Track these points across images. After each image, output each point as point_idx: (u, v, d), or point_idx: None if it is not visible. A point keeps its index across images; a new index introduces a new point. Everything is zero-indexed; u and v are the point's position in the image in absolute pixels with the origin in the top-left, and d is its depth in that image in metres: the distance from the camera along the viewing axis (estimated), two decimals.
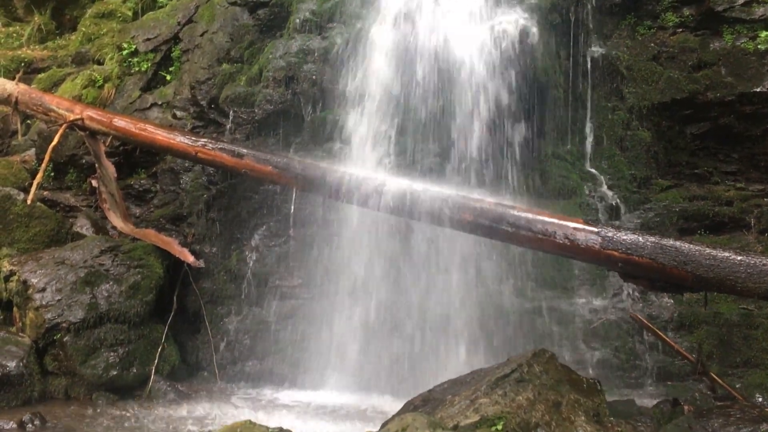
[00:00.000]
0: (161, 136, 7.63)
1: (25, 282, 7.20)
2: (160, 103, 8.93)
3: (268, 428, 5.07)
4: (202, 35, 8.96)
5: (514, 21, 7.45)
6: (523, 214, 5.96)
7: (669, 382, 6.97)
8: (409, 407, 5.62)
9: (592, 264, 6.69)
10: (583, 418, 5.18)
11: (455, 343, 7.20)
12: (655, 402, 6.44)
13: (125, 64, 9.35)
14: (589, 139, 7.75)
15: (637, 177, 7.62)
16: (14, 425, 5.99)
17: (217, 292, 7.96)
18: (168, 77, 9.13)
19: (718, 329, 7.01)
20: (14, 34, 11.90)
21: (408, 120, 7.41)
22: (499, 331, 7.17)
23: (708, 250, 5.43)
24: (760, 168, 7.56)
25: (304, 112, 7.93)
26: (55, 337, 7.00)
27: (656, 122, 7.69)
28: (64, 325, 7.00)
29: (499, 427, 4.77)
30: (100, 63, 9.76)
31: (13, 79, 8.99)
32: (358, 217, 7.23)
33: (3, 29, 12.13)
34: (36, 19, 11.88)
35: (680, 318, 7.12)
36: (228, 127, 8.22)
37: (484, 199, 6.23)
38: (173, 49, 9.17)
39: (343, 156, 7.44)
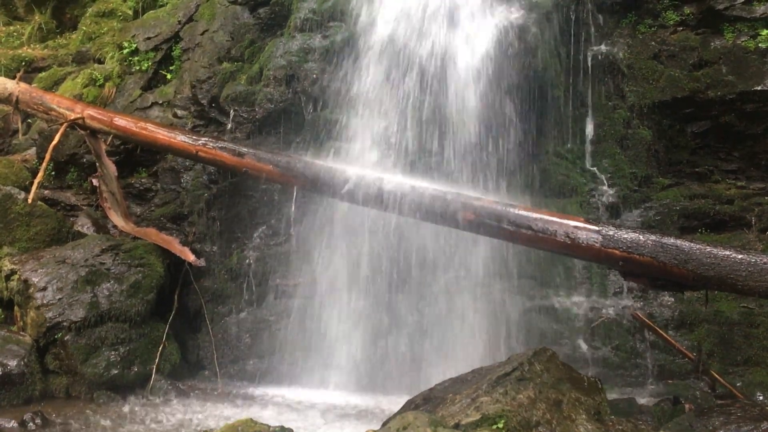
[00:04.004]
0: (162, 134, 7.63)
1: (26, 281, 7.20)
2: (160, 101, 8.94)
3: (269, 427, 5.08)
4: (202, 34, 8.97)
5: (514, 19, 7.44)
6: (524, 213, 5.97)
7: (670, 381, 6.97)
8: (410, 406, 5.63)
9: (593, 262, 6.70)
10: (584, 416, 5.18)
11: (456, 342, 7.20)
12: (655, 400, 6.47)
13: (126, 63, 9.36)
14: (590, 138, 7.74)
15: (637, 175, 7.61)
16: (15, 424, 6.00)
17: (218, 291, 7.96)
18: (169, 76, 9.14)
19: (718, 328, 7.01)
20: (15, 33, 11.89)
21: (408, 120, 7.41)
22: (500, 329, 7.17)
23: (709, 249, 5.43)
24: (761, 166, 7.56)
25: (304, 110, 7.93)
26: (56, 336, 7.01)
27: (657, 121, 7.69)
28: (65, 324, 7.00)
29: (500, 426, 4.77)
30: (100, 62, 9.76)
31: (14, 78, 8.98)
32: (359, 215, 7.23)
33: (3, 28, 12.12)
34: (36, 18, 11.86)
35: (681, 316, 7.13)
36: (229, 126, 8.22)
37: (485, 197, 6.24)
38: (174, 47, 9.18)
39: (344, 154, 7.43)
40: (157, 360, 7.26)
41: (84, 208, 8.88)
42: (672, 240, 5.56)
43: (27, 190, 8.08)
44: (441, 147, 7.34)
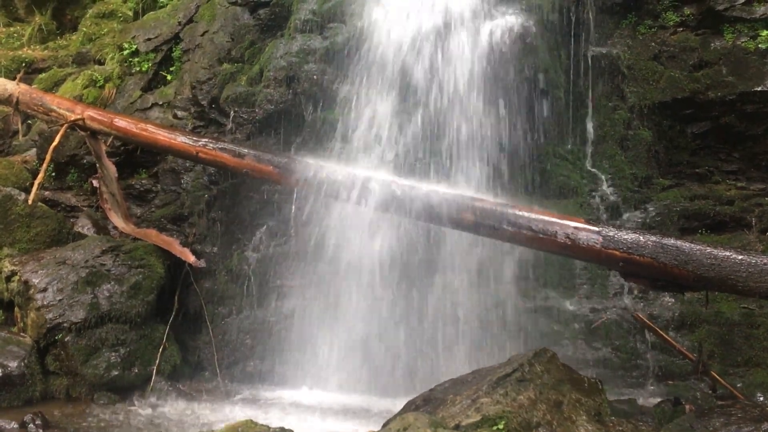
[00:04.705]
0: (162, 136, 7.63)
1: (26, 282, 7.20)
2: (161, 103, 8.93)
3: (269, 428, 5.08)
4: (202, 35, 8.96)
5: (514, 20, 7.45)
6: (524, 214, 5.97)
7: (670, 382, 6.97)
8: (411, 407, 5.63)
9: (594, 263, 6.69)
10: (584, 417, 5.19)
11: (457, 343, 7.20)
12: (656, 401, 6.46)
13: (126, 64, 9.36)
14: (590, 139, 7.74)
15: (638, 176, 7.61)
16: (16, 425, 5.99)
17: (219, 292, 7.96)
18: (169, 77, 9.14)
19: (719, 328, 7.01)
20: (15, 35, 11.90)
21: (408, 121, 7.41)
22: (501, 330, 7.17)
23: (709, 250, 5.44)
24: (761, 167, 7.56)
25: (304, 111, 7.93)
26: (56, 337, 7.01)
27: (657, 121, 7.69)
28: (65, 325, 7.00)
29: (501, 427, 4.77)
30: (100, 63, 9.77)
31: (14, 79, 8.99)
32: (360, 216, 7.23)
33: (4, 29, 12.13)
34: (37, 19, 11.87)
35: (681, 317, 7.12)
36: (229, 127, 8.23)
37: (485, 198, 6.24)
38: (174, 48, 9.18)
39: (344, 155, 7.43)
40: (157, 361, 7.26)
41: (84, 209, 8.89)
42: (672, 241, 5.56)
43: (27, 191, 8.08)
44: (441, 148, 7.34)
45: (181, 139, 7.54)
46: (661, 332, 6.74)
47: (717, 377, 6.45)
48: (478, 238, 6.71)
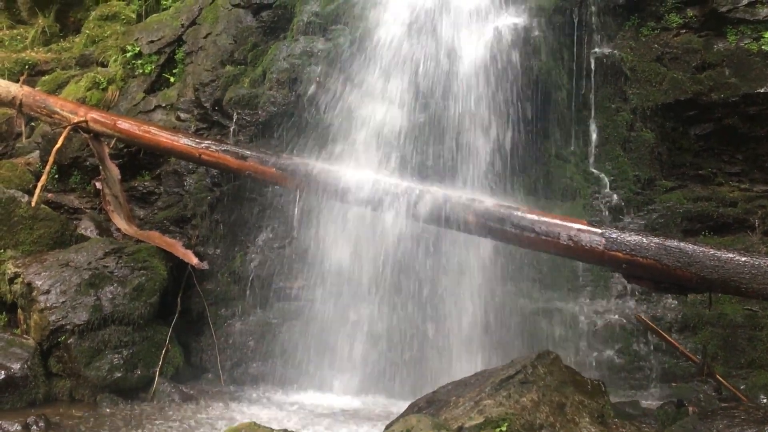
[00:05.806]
0: (165, 138, 7.64)
1: (29, 284, 7.21)
2: (163, 105, 8.95)
3: (272, 430, 5.08)
4: (205, 37, 8.98)
5: (518, 21, 7.45)
6: (527, 216, 5.97)
7: (673, 384, 6.97)
8: (414, 408, 5.63)
9: (596, 265, 6.69)
10: (587, 419, 5.18)
11: (459, 345, 7.19)
12: (659, 403, 6.45)
13: (129, 67, 9.38)
14: (593, 140, 7.74)
15: (641, 178, 7.61)
16: (19, 427, 6.00)
17: (221, 294, 7.97)
18: (172, 79, 9.15)
19: (722, 330, 7.00)
20: (18, 37, 11.93)
21: (411, 121, 7.41)
22: (503, 332, 7.17)
23: (712, 251, 5.43)
24: (765, 169, 7.55)
25: (307, 113, 7.93)
26: (59, 339, 7.02)
27: (660, 123, 7.68)
28: (68, 327, 7.01)
29: (504, 429, 4.77)
30: (104, 65, 9.79)
31: (18, 81, 9.00)
32: (362, 218, 7.23)
33: (7, 32, 12.15)
34: (40, 21, 11.89)
35: (684, 319, 7.12)
36: (232, 128, 8.24)
37: (488, 200, 6.23)
38: (177, 51, 9.20)
39: (347, 158, 7.43)
40: (160, 363, 7.26)
41: (87, 211, 8.89)
42: (675, 243, 5.55)
43: (30, 193, 8.09)
44: (444, 150, 7.34)
45: (183, 141, 7.55)
46: (664, 334, 6.73)
47: (720, 379, 6.44)
48: (482, 240, 6.71)
